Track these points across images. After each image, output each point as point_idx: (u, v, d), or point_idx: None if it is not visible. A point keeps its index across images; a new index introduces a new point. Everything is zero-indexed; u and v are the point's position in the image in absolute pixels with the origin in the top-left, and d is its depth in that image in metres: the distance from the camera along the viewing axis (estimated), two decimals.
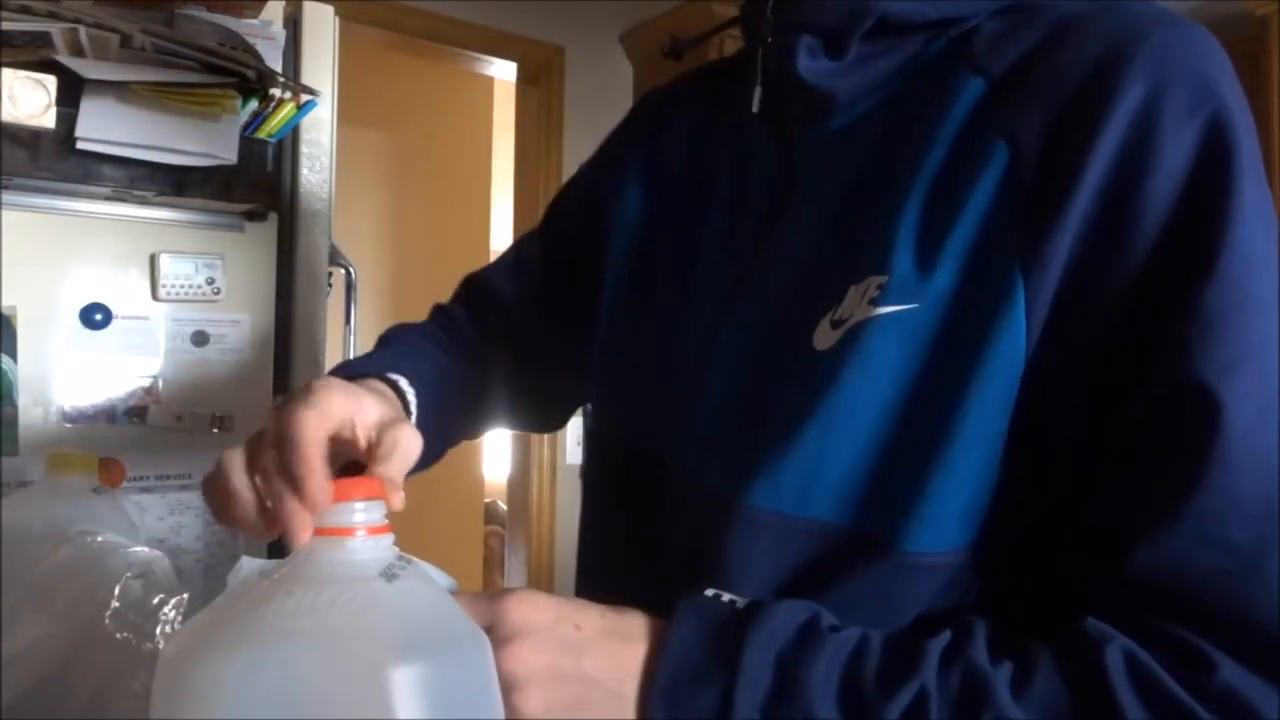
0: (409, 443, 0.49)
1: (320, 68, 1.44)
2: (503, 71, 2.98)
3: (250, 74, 1.24)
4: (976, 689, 0.43)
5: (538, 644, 0.45)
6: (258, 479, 0.48)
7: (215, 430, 1.34)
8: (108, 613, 0.64)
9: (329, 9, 1.46)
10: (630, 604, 0.49)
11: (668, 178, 0.70)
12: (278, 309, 1.41)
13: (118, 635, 0.63)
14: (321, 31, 1.45)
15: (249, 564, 0.47)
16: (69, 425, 1.25)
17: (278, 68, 1.34)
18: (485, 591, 0.48)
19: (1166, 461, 0.44)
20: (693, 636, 0.46)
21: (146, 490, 1.28)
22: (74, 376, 1.26)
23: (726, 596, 0.50)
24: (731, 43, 2.11)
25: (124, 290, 1.30)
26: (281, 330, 1.42)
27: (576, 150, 2.87)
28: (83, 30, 1.16)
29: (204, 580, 1.29)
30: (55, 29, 1.16)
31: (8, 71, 1.12)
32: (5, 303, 1.21)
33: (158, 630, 0.64)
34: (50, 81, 1.15)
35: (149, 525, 1.24)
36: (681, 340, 0.63)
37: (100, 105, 1.19)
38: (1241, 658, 0.42)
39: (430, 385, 0.66)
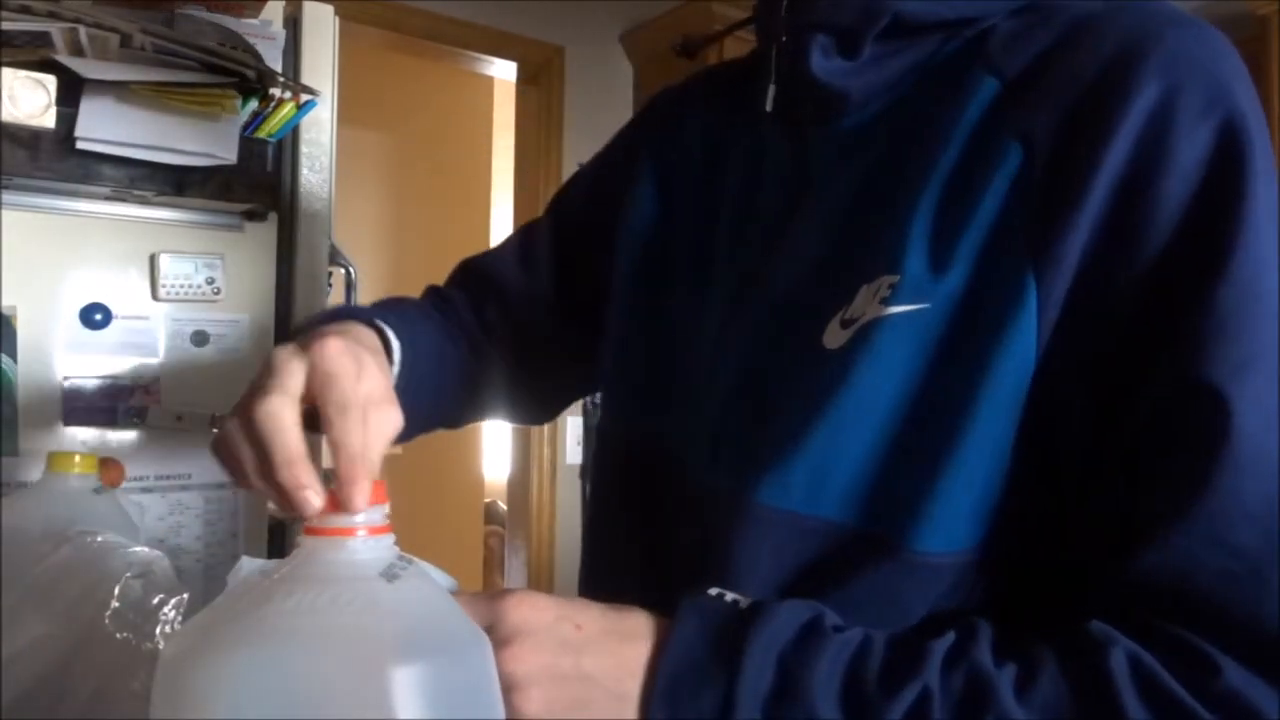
0: (388, 428, 0.48)
1: (320, 68, 1.44)
2: (503, 71, 2.98)
3: (250, 74, 1.24)
4: (980, 690, 0.43)
5: (538, 644, 0.45)
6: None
7: (215, 430, 1.34)
8: (108, 613, 0.64)
9: (329, 9, 1.46)
10: (634, 602, 0.49)
11: (680, 177, 0.70)
12: (278, 309, 1.41)
13: (118, 635, 0.63)
14: (321, 31, 1.45)
15: (249, 564, 0.47)
16: (69, 425, 1.25)
17: (278, 68, 1.34)
18: (485, 591, 0.48)
19: (1174, 462, 0.44)
20: (694, 636, 0.46)
21: (146, 490, 1.27)
22: (74, 376, 1.26)
23: (729, 596, 0.50)
24: (734, 44, 2.14)
25: (124, 290, 1.29)
26: (281, 330, 1.41)
27: (576, 150, 2.87)
28: (83, 30, 1.16)
29: (204, 580, 1.29)
30: (55, 29, 1.15)
31: (8, 71, 1.11)
32: (5, 303, 1.21)
33: (158, 630, 0.63)
34: (50, 81, 1.14)
35: (149, 525, 1.24)
36: (692, 338, 0.63)
37: (100, 105, 1.19)
38: (1245, 660, 0.42)
39: (422, 357, 0.66)
